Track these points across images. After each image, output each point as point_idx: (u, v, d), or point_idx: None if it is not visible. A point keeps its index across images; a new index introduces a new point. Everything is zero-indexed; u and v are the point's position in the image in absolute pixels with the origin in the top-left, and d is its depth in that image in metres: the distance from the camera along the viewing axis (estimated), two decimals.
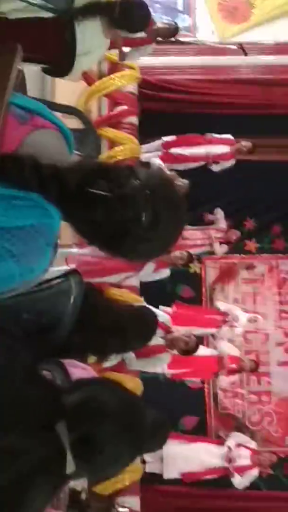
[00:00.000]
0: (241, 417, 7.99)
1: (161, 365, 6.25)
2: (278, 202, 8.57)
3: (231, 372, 7.32)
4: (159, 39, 6.29)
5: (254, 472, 7.13)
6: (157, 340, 5.42)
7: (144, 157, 7.19)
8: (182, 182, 6.80)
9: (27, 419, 1.61)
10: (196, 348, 5.89)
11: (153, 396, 5.88)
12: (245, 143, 7.52)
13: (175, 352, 5.88)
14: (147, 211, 1.68)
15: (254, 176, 8.14)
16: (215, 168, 7.62)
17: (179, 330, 6.02)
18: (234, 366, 7.25)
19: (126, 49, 6.11)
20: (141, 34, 6.11)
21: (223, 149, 7.60)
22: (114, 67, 7.00)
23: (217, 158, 7.61)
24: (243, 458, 7.08)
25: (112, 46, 6.00)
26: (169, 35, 6.51)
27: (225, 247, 8.22)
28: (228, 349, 7.47)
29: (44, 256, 1.67)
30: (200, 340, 7.24)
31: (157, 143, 7.49)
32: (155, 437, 2.36)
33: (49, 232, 1.66)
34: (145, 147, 7.37)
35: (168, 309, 6.71)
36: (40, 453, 1.62)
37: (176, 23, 6.67)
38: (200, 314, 7.82)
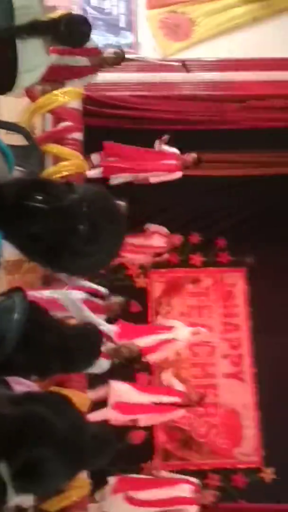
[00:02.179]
0: (188, 429, 8.03)
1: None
2: (223, 216, 8.73)
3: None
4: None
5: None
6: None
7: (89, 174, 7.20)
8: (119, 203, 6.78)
9: None
10: (139, 356, 5.88)
11: None
12: (190, 155, 7.61)
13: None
14: (85, 223, 1.69)
15: (199, 191, 8.25)
16: (153, 179, 7.67)
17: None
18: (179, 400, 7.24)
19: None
20: (86, 63, 6.30)
21: (169, 162, 7.69)
22: None
23: (162, 170, 7.68)
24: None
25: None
26: (117, 62, 6.73)
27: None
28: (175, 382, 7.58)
29: None
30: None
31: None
32: (101, 453, 2.36)
33: None
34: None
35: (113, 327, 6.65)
36: None
37: (122, 50, 6.84)
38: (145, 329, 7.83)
